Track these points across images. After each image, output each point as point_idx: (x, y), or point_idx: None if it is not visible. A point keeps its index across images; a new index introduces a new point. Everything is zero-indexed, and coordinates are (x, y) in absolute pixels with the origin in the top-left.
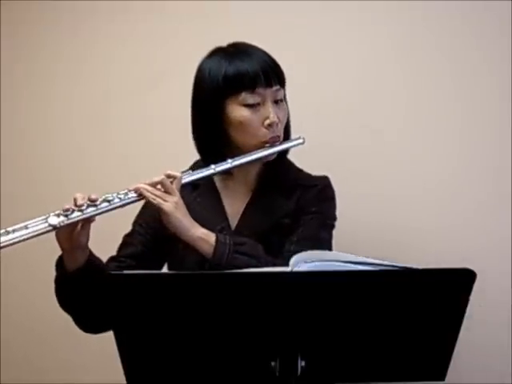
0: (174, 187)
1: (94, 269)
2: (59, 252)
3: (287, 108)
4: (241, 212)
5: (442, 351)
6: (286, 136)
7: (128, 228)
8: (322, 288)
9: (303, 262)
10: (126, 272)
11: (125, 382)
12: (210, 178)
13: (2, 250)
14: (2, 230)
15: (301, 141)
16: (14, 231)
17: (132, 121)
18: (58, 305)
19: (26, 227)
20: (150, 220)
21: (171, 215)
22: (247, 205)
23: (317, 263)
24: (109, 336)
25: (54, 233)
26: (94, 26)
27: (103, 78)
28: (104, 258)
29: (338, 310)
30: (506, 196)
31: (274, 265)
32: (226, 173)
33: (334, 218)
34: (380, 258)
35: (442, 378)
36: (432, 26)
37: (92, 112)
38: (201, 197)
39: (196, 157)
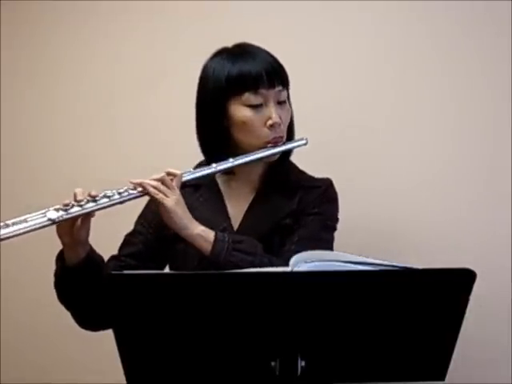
0: (175, 185)
1: (93, 264)
2: (59, 250)
3: (291, 109)
4: (243, 213)
5: (441, 351)
6: (290, 136)
7: (130, 226)
8: (322, 288)
9: (303, 262)
10: (126, 272)
11: (125, 382)
12: (212, 178)
13: (3, 244)
14: (2, 223)
15: (304, 141)
16: (13, 224)
17: (133, 120)
18: (58, 304)
19: (25, 221)
20: (152, 219)
21: (173, 211)
22: (250, 206)
23: (317, 263)
24: (109, 336)
25: (54, 229)
26: (95, 27)
27: (104, 78)
28: (105, 256)
29: (338, 310)
30: (506, 196)
31: (271, 263)
32: (229, 173)
33: (336, 220)
34: (380, 258)
35: (442, 378)
36: (431, 26)
37: (93, 112)
38: (203, 197)
39: (199, 155)
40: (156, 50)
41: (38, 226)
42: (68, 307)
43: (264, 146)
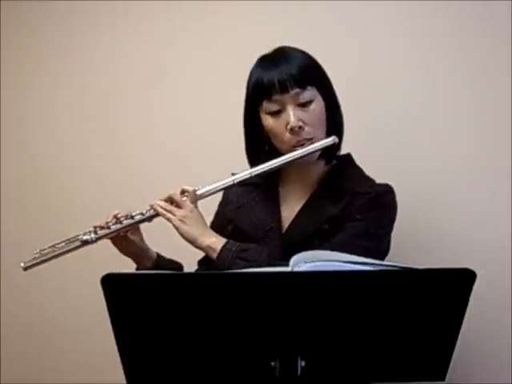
0: (188, 201)
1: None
2: None
3: (329, 106)
4: (294, 215)
5: (442, 351)
6: (337, 133)
7: None
8: (321, 288)
9: (303, 262)
10: (125, 272)
11: (125, 382)
12: (271, 179)
13: (2, 244)
14: (47, 247)
15: (330, 139)
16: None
17: (133, 120)
18: (58, 304)
19: (62, 244)
20: (220, 222)
21: (178, 228)
22: (301, 208)
23: (317, 263)
24: (109, 336)
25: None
26: (95, 28)
27: (104, 78)
28: None
29: (338, 310)
30: (506, 196)
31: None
32: (286, 176)
33: (383, 228)
34: None
35: (442, 378)
36: (431, 26)
37: (93, 112)
38: (259, 197)
39: (199, 155)
40: (156, 50)
41: (72, 247)
42: None
43: (292, 150)
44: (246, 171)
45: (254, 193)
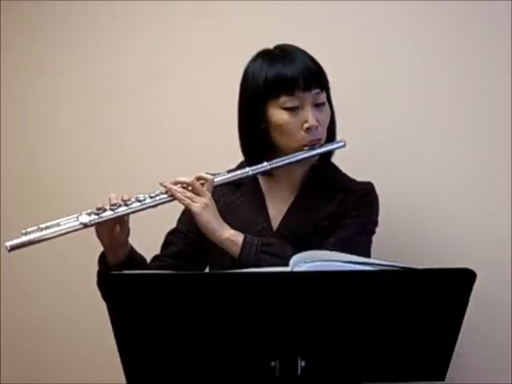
0: (205, 189)
1: (133, 265)
2: (62, 249)
3: (330, 110)
4: (283, 213)
5: (442, 351)
6: (331, 138)
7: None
8: (321, 288)
9: (303, 262)
10: (125, 272)
11: (125, 381)
12: (255, 178)
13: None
14: (35, 227)
15: (341, 144)
16: (46, 228)
17: (133, 120)
18: (58, 304)
19: (58, 224)
20: (192, 217)
21: (199, 216)
22: (290, 206)
23: (317, 263)
24: (108, 336)
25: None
26: (96, 28)
27: (104, 78)
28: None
29: (338, 310)
30: (506, 196)
31: None
32: (267, 174)
33: (374, 224)
34: (380, 258)
35: (442, 378)
36: (430, 26)
37: (94, 112)
38: (244, 196)
39: (201, 155)
40: (157, 50)
41: (70, 229)
42: None
43: (301, 149)
44: (263, 163)
45: (237, 192)
